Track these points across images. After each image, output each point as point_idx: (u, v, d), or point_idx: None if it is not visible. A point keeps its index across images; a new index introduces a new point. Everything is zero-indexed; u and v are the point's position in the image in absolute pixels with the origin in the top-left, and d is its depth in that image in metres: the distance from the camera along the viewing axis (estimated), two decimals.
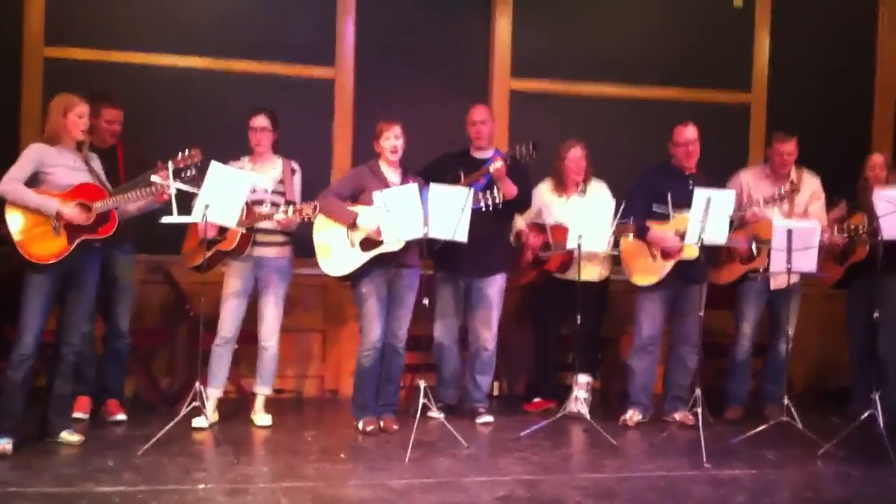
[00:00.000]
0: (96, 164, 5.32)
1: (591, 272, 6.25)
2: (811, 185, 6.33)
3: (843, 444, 5.40)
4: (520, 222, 6.44)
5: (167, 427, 5.07)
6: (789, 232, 5.52)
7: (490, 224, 5.83)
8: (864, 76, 7.79)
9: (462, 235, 5.32)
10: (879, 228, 5.54)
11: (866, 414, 5.42)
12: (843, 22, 7.73)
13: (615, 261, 6.26)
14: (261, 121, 5.81)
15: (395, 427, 5.71)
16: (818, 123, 7.35)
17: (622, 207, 5.82)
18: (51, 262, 4.98)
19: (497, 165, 5.88)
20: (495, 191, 5.76)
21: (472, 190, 5.50)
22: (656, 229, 5.97)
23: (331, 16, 6.99)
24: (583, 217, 5.79)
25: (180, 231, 5.79)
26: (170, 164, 5.24)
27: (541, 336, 6.58)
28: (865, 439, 5.44)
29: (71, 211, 5.01)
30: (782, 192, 5.99)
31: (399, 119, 5.78)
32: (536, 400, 6.47)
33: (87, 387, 5.72)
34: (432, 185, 5.32)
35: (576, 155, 6.34)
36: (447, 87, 7.12)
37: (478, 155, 6.26)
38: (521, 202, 6.17)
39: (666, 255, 5.96)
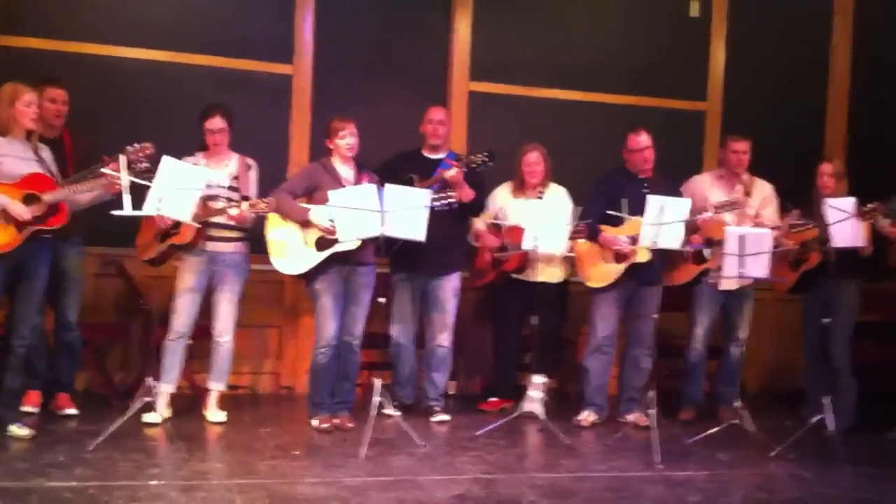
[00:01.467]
0: (46, 154, 5.24)
1: (551, 273, 6.29)
2: (763, 190, 6.43)
3: (795, 447, 5.47)
4: (479, 224, 6.45)
5: (119, 422, 4.99)
6: (741, 238, 5.59)
7: (446, 224, 5.84)
8: (818, 86, 7.94)
9: (420, 235, 5.31)
10: (830, 236, 5.63)
11: (818, 417, 5.50)
12: (797, 32, 7.87)
13: (573, 262, 6.28)
14: (217, 122, 5.75)
15: (351, 425, 5.68)
16: (772, 132, 7.44)
17: (579, 210, 5.85)
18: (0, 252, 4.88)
19: (452, 173, 5.89)
20: (449, 190, 5.76)
21: (430, 191, 5.50)
22: (609, 232, 6.01)
23: (289, 12, 6.96)
24: (540, 219, 5.82)
25: (134, 224, 5.70)
26: (122, 156, 5.15)
27: (499, 336, 6.60)
28: (817, 442, 5.51)
29: (16, 209, 4.92)
30: (735, 198, 6.07)
31: (354, 117, 5.75)
32: (493, 399, 6.48)
33: (37, 380, 5.61)
34: (388, 185, 5.31)
35: (531, 159, 6.37)
36: (406, 86, 7.11)
37: (431, 155, 6.27)
38: (476, 205, 6.18)
39: (619, 257, 6.01)
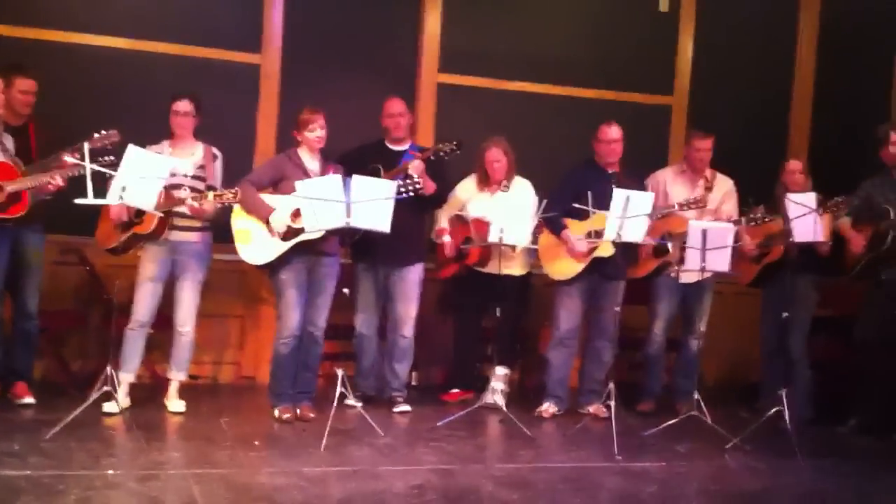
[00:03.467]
0: (9, 142, 5.21)
1: (514, 266, 6.31)
2: (724, 185, 6.48)
3: (751, 439, 5.53)
4: (442, 219, 6.45)
5: (77, 411, 4.97)
6: (704, 232, 5.63)
7: (407, 215, 5.79)
8: (783, 83, 7.98)
9: (384, 226, 5.31)
10: (791, 231, 5.69)
11: (774, 410, 5.56)
12: (763, 29, 7.91)
13: (536, 255, 6.31)
14: (184, 105, 5.73)
15: (312, 415, 5.67)
16: (737, 127, 7.50)
17: (544, 203, 5.88)
18: None
19: (415, 164, 5.90)
20: (414, 177, 5.76)
21: (396, 182, 5.50)
22: (572, 230, 6.05)
23: (258, 1, 6.92)
24: (505, 212, 5.85)
25: (95, 212, 5.66)
26: (86, 144, 5.13)
27: (460, 327, 6.63)
28: (773, 434, 5.58)
29: None
30: (697, 197, 6.12)
31: (322, 108, 5.73)
32: (454, 391, 6.51)
33: None
34: (355, 176, 5.30)
35: (492, 157, 6.37)
36: (375, 78, 7.09)
37: (395, 147, 6.27)
38: (439, 197, 6.19)
39: (577, 257, 6.04)
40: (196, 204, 5.46)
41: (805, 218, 5.63)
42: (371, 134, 6.37)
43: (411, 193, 5.62)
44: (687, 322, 6.47)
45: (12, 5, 6.45)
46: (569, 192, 6.01)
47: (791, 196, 5.75)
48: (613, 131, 6.20)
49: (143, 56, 6.69)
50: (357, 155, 6.17)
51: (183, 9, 6.80)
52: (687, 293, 6.35)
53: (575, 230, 6.07)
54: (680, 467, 5.18)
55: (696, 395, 5.69)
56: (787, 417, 5.49)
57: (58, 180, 5.17)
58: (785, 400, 5.51)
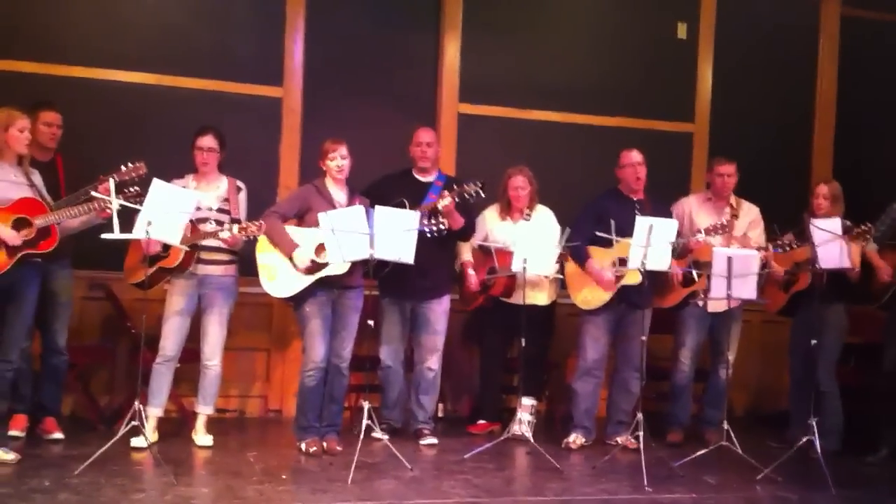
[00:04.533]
0: (37, 179, 5.26)
1: (539, 296, 6.29)
2: (750, 212, 6.45)
3: (782, 469, 5.47)
4: (465, 252, 6.46)
5: (105, 446, 4.97)
6: (729, 259, 5.61)
7: (434, 247, 5.83)
8: (805, 108, 7.99)
9: (408, 257, 5.32)
10: (816, 257, 5.65)
11: (804, 439, 5.50)
12: (783, 54, 7.93)
13: (562, 284, 6.29)
14: (208, 141, 5.77)
15: (339, 448, 5.66)
16: (759, 154, 7.50)
17: (567, 232, 5.87)
18: None
19: (445, 202, 5.89)
20: (440, 217, 5.77)
21: (419, 213, 5.51)
22: (596, 258, 6.04)
23: (279, 35, 6.99)
24: (528, 241, 5.84)
25: (122, 247, 5.70)
26: (112, 179, 5.17)
27: (486, 358, 6.61)
28: (803, 464, 5.52)
29: (6, 233, 4.93)
30: (723, 222, 6.09)
31: (345, 139, 5.77)
32: (480, 422, 6.48)
33: (23, 404, 5.57)
34: (378, 208, 5.32)
35: (516, 183, 6.38)
36: (395, 108, 7.14)
37: (421, 177, 6.28)
38: (466, 231, 6.19)
39: (604, 286, 6.03)
40: (228, 234, 5.47)
41: (831, 244, 5.58)
42: (392, 164, 6.40)
43: (436, 234, 5.63)
44: (715, 352, 6.43)
45: (37, 43, 6.54)
46: (592, 221, 6.00)
47: (816, 222, 5.70)
48: (635, 154, 6.21)
49: (168, 91, 6.76)
50: (382, 185, 6.19)
51: (206, 44, 6.87)
52: (715, 322, 6.30)
53: (600, 259, 6.06)
54: (710, 499, 5.11)
55: (726, 426, 5.63)
56: (817, 447, 5.43)
57: (108, 206, 5.17)
58: (815, 429, 5.46)
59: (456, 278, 6.45)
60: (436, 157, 6.37)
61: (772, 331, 6.87)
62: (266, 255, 5.65)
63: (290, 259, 5.56)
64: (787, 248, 5.99)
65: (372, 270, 5.46)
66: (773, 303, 6.38)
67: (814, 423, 5.48)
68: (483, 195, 6.01)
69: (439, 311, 6.20)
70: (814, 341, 5.74)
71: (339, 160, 5.70)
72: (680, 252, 6.02)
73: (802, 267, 6.10)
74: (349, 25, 7.15)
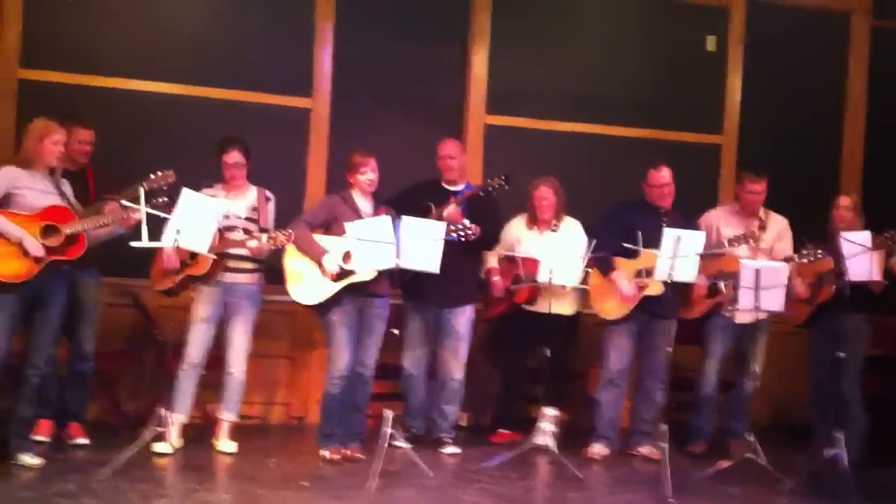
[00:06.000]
0: (67, 189, 5.33)
1: (563, 306, 6.27)
2: (778, 224, 6.41)
3: (806, 482, 5.42)
4: (491, 259, 6.46)
5: (129, 452, 5.01)
6: (757, 272, 5.57)
7: (459, 255, 5.83)
8: (834, 120, 7.90)
9: (434, 267, 5.33)
10: (845, 270, 5.60)
11: (830, 452, 5.42)
12: (812, 65, 7.84)
13: (586, 294, 6.28)
14: (234, 156, 5.83)
15: (361, 456, 5.66)
16: (788, 166, 7.42)
17: (594, 243, 5.85)
18: (17, 281, 4.96)
19: (450, 210, 5.92)
20: (466, 222, 5.78)
21: (445, 223, 5.53)
22: (621, 269, 6.02)
23: (308, 46, 7.04)
24: (554, 252, 5.83)
25: (149, 254, 5.75)
26: (141, 187, 5.22)
27: (508, 367, 6.60)
28: (828, 476, 5.45)
29: (31, 244, 4.98)
30: (746, 232, 6.06)
31: (372, 149, 5.80)
32: (503, 431, 6.47)
33: (49, 409, 5.62)
34: (405, 217, 5.34)
35: (541, 194, 6.38)
36: (423, 120, 7.15)
37: (449, 187, 6.30)
38: (488, 238, 6.18)
39: (625, 299, 6.01)
40: (256, 243, 5.52)
41: (860, 257, 5.54)
42: (419, 174, 6.42)
43: (462, 238, 5.64)
44: (740, 363, 6.38)
45: (66, 53, 6.64)
46: (618, 231, 5.98)
47: (846, 234, 5.66)
48: (664, 174, 6.18)
49: (196, 101, 6.83)
50: (410, 194, 6.22)
51: (234, 55, 6.94)
52: (741, 334, 6.26)
53: (624, 269, 6.04)
54: None
55: (752, 437, 5.58)
56: (844, 459, 5.36)
57: (132, 216, 5.23)
58: (840, 441, 5.40)
59: (480, 288, 6.45)
60: (461, 168, 6.39)
61: (792, 341, 6.78)
62: (293, 262, 5.69)
63: (319, 265, 5.58)
64: (812, 259, 5.94)
65: (395, 279, 5.48)
66: (797, 315, 6.31)
67: (840, 436, 5.40)
68: (506, 187, 6.03)
69: (463, 320, 6.20)
70: (842, 354, 5.68)
71: (369, 174, 5.74)
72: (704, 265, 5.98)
73: (826, 278, 6.04)
74: (377, 36, 7.18)
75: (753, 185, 6.33)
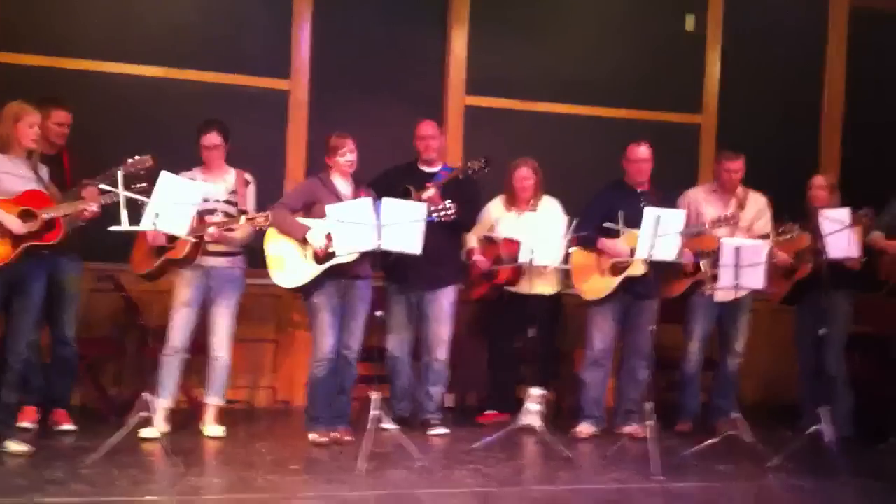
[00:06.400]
0: (44, 173, 5.27)
1: (545, 286, 6.28)
2: (757, 202, 6.45)
3: (793, 458, 5.46)
4: (472, 240, 6.46)
5: (116, 438, 4.97)
6: (737, 249, 5.60)
7: (441, 237, 5.81)
8: (813, 98, 7.97)
9: (416, 248, 5.32)
10: (825, 247, 5.64)
11: (814, 428, 5.48)
12: (792, 46, 7.90)
13: (568, 275, 6.29)
14: (211, 139, 5.78)
15: (348, 438, 5.66)
16: (767, 145, 7.48)
17: (574, 223, 5.86)
18: None
19: (429, 193, 5.92)
20: (448, 203, 5.76)
21: (427, 204, 5.52)
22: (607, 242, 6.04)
23: (287, 28, 6.99)
24: (534, 232, 5.83)
25: (130, 239, 5.69)
26: (119, 172, 5.15)
27: (494, 349, 6.61)
28: (814, 452, 5.50)
29: (10, 222, 4.94)
30: (728, 213, 6.09)
31: (350, 132, 5.77)
32: (490, 412, 6.48)
33: (33, 396, 5.58)
34: (385, 199, 5.31)
35: (521, 174, 6.39)
36: (403, 101, 7.13)
37: (426, 168, 6.29)
38: (467, 220, 6.17)
39: (614, 270, 6.02)
40: (213, 231, 5.47)
41: (839, 234, 5.59)
42: (400, 157, 6.41)
43: (443, 219, 5.63)
44: (724, 341, 6.43)
45: (44, 36, 6.54)
46: (599, 213, 5.99)
47: (825, 212, 5.71)
48: (643, 150, 6.20)
49: (174, 84, 6.77)
50: (387, 177, 6.20)
51: (212, 37, 6.87)
52: (723, 312, 6.31)
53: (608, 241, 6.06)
54: (721, 488, 5.12)
55: (738, 414, 5.62)
56: (828, 435, 5.42)
57: (93, 207, 5.21)
58: (826, 417, 5.45)
59: (463, 269, 6.45)
60: (439, 148, 6.39)
61: (780, 320, 6.85)
62: (274, 246, 5.66)
63: (304, 243, 5.55)
64: (791, 238, 5.98)
65: (377, 261, 5.46)
66: (776, 292, 6.36)
67: (824, 412, 5.46)
68: (487, 169, 6.05)
69: (445, 302, 6.20)
70: (823, 330, 5.74)
71: (348, 155, 5.72)
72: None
73: (804, 256, 6.09)
74: (357, 18, 7.14)
75: (731, 164, 6.36)
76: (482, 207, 6.46)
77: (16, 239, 4.98)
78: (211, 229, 5.51)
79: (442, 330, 6.21)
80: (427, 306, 6.22)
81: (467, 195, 6.11)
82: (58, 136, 5.71)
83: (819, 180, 6.30)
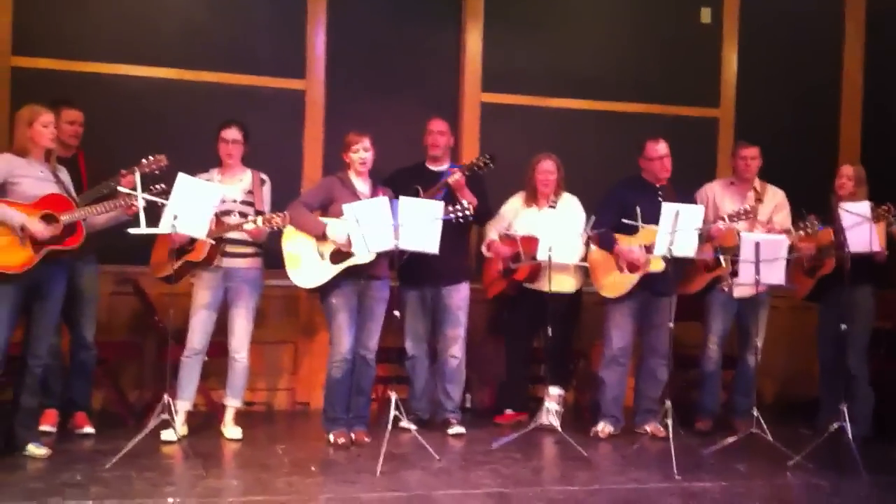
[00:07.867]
0: (64, 175, 5.30)
1: (564, 283, 6.24)
2: (775, 196, 6.40)
3: (813, 456, 5.42)
4: (492, 233, 6.45)
5: (135, 440, 5.01)
6: (757, 244, 5.56)
7: (450, 234, 5.75)
8: (831, 91, 7.88)
9: (433, 247, 5.31)
10: (845, 241, 5.59)
11: (835, 426, 5.44)
12: (809, 37, 7.83)
13: (587, 272, 6.26)
14: (233, 133, 5.79)
15: (367, 439, 5.67)
16: (785, 138, 7.43)
17: (592, 219, 5.84)
18: (16, 272, 4.93)
19: (456, 177, 5.92)
20: (464, 203, 5.74)
21: (443, 202, 5.51)
22: (623, 242, 6.00)
23: (301, 28, 6.99)
24: (554, 229, 5.81)
25: (149, 242, 5.71)
26: (137, 175, 5.17)
27: (511, 348, 6.58)
28: (835, 451, 5.46)
29: (35, 226, 4.96)
30: (747, 207, 6.04)
31: (368, 131, 5.77)
32: (508, 412, 6.46)
33: (54, 400, 5.63)
34: (402, 198, 5.31)
35: (545, 168, 6.36)
36: (418, 99, 7.11)
37: (434, 167, 6.29)
38: (481, 214, 6.16)
39: (633, 268, 6.00)
40: (252, 226, 5.50)
41: (860, 227, 5.53)
42: (415, 156, 6.41)
43: (461, 220, 5.61)
44: (743, 338, 6.37)
45: (58, 40, 6.57)
46: (616, 208, 5.98)
47: (845, 205, 5.65)
48: (661, 147, 6.16)
49: (190, 85, 6.78)
50: (396, 178, 6.20)
51: (227, 38, 6.88)
52: (741, 308, 6.25)
53: (624, 246, 6.02)
54: (741, 486, 5.08)
55: (756, 413, 5.59)
56: (849, 433, 5.38)
57: (134, 203, 5.20)
58: (846, 415, 5.41)
59: (476, 267, 6.43)
60: (447, 146, 6.38)
61: (800, 317, 6.80)
62: (292, 245, 5.68)
63: (324, 239, 5.56)
64: (812, 232, 5.92)
65: (395, 261, 5.46)
66: (800, 288, 6.31)
67: (844, 409, 5.42)
68: (492, 166, 6.03)
69: (458, 299, 6.20)
70: (844, 326, 5.68)
71: (361, 153, 5.71)
72: (704, 239, 5.96)
73: (827, 251, 6.03)
74: (371, 16, 7.13)
75: (745, 151, 6.33)
76: (489, 202, 6.41)
77: (38, 244, 5.00)
78: (249, 226, 5.53)
79: (456, 327, 6.21)
80: (441, 304, 6.21)
81: (476, 191, 6.10)
82: (71, 136, 5.74)
83: (847, 170, 6.17)
